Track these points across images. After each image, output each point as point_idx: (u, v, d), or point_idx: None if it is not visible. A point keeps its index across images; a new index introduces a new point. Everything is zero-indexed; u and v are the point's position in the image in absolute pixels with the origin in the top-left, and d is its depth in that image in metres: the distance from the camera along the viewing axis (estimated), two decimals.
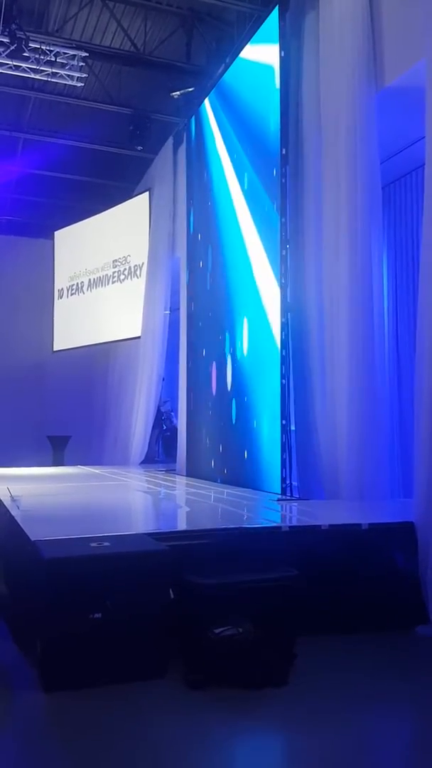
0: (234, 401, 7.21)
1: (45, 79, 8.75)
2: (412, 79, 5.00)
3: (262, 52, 6.79)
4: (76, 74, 8.67)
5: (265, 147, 6.57)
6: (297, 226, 6.14)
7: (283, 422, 6.04)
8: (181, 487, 7.31)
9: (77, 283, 12.80)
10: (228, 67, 7.69)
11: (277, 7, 6.39)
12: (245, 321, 6.97)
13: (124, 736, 2.79)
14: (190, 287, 8.86)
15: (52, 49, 8.45)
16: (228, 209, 7.54)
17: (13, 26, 8.05)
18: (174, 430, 10.90)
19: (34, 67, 8.52)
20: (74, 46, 8.58)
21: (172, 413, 11.06)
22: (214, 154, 8.05)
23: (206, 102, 8.33)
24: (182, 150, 9.52)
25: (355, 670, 3.51)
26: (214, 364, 7.84)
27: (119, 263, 11.71)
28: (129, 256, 11.44)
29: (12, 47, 8.18)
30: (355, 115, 5.38)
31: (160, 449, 11.48)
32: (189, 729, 2.90)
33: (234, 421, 7.17)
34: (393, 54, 5.26)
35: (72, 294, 12.95)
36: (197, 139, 8.70)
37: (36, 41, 8.34)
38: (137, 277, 11.14)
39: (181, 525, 5.19)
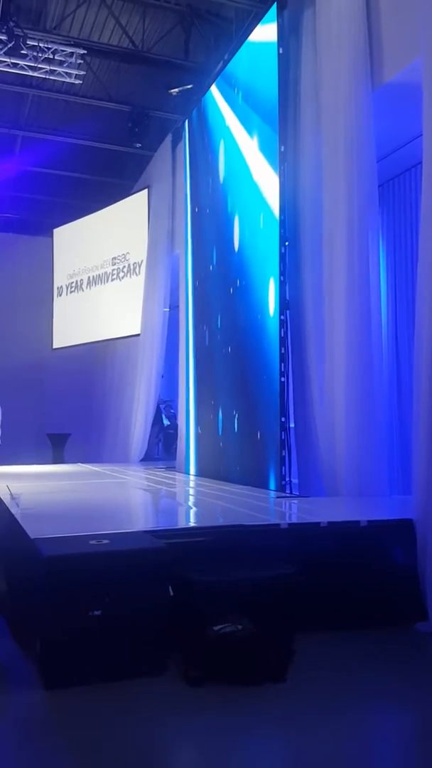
0: (233, 398, 7.21)
1: (43, 76, 8.74)
2: (409, 76, 4.97)
3: (261, 49, 6.76)
4: (74, 71, 8.67)
5: (268, 147, 6.56)
6: (295, 223, 6.15)
7: (282, 419, 6.04)
8: (180, 485, 7.32)
9: (76, 281, 12.81)
10: (227, 65, 7.67)
11: (275, 4, 6.38)
12: (249, 313, 6.94)
13: (124, 733, 2.80)
14: (193, 283, 8.84)
15: (49, 46, 8.45)
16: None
17: (11, 23, 8.06)
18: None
19: (32, 64, 8.52)
20: (72, 43, 8.59)
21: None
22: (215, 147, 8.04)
23: (203, 102, 8.32)
24: (181, 147, 9.51)
25: (354, 667, 3.52)
26: (212, 360, 7.84)
27: (118, 261, 11.71)
28: (128, 253, 11.45)
29: (10, 45, 8.18)
30: (352, 113, 5.37)
31: (160, 447, 11.52)
32: (188, 725, 2.91)
33: (233, 419, 7.17)
34: (390, 51, 5.24)
35: (71, 292, 12.96)
36: (199, 133, 8.69)
37: (34, 38, 8.34)
38: (136, 275, 11.14)
39: (181, 522, 5.20)
